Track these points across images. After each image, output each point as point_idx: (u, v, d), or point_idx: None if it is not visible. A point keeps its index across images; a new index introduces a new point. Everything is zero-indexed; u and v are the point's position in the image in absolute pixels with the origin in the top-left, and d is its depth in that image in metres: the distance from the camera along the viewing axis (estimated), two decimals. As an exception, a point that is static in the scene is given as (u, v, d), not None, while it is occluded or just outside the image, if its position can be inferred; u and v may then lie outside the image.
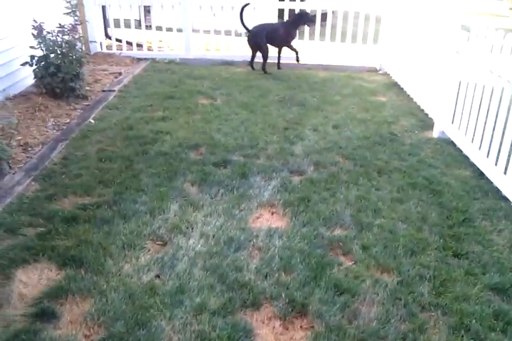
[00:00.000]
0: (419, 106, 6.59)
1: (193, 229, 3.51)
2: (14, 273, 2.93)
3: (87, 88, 6.80)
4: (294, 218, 3.67)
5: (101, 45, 9.37)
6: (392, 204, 3.91)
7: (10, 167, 4.19)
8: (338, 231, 3.51)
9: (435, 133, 5.62)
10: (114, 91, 6.97)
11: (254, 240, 3.39)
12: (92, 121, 5.67)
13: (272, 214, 3.78)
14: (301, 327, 2.63)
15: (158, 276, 2.99)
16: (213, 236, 3.42)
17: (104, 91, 6.98)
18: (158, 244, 3.35)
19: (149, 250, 3.26)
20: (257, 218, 3.72)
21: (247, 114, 6.07)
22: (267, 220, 3.69)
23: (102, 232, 3.38)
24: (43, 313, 2.62)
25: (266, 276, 3.00)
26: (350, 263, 3.14)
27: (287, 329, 2.62)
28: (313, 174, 4.44)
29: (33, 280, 2.89)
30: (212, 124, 5.66)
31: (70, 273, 2.94)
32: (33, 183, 4.05)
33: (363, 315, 2.69)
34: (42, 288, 2.82)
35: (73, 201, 3.81)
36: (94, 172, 4.29)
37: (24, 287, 2.83)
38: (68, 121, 5.66)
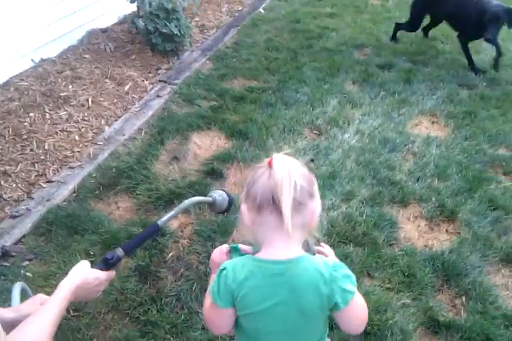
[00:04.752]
0: None
1: (349, 124, 3.59)
2: (190, 135, 3.32)
3: (260, -23, 6.77)
4: (456, 130, 3.54)
5: None
6: None
7: (190, 44, 4.50)
8: (502, 151, 3.35)
9: None
10: (284, -17, 6.84)
11: (410, 145, 3.38)
12: (262, 10, 5.73)
13: (433, 123, 3.69)
14: (446, 230, 2.69)
15: (312, 160, 3.18)
16: (368, 134, 3.47)
17: (274, -18, 6.89)
18: (314, 133, 3.51)
19: (306, 137, 3.44)
20: (416, 125, 3.66)
21: (420, 19, 5.64)
22: (426, 128, 3.62)
23: (266, 114, 3.61)
24: (213, 172, 2.98)
25: (418, 180, 3.04)
26: (510, 183, 3.02)
27: (432, 229, 2.70)
28: (484, 90, 4.13)
29: (206, 144, 3.26)
30: (380, 25, 5.41)
31: (236, 143, 3.25)
32: (207, 62, 4.35)
33: (514, 232, 2.65)
34: (212, 152, 3.18)
35: (242, 82, 4.06)
36: (261, 60, 4.46)
37: (198, 148, 3.21)
38: (240, 8, 5.79)
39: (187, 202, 1.54)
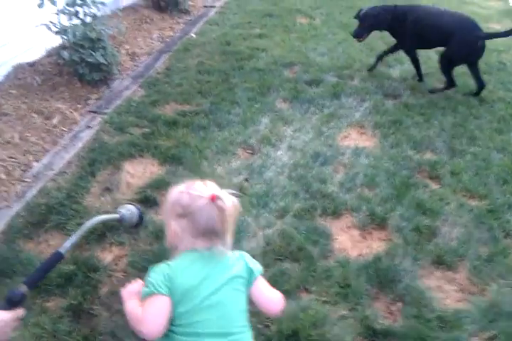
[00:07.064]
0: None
1: (281, 141, 3.65)
2: (122, 164, 3.28)
3: (190, 3, 6.86)
4: (383, 139, 3.68)
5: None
6: (490, 134, 3.77)
7: (119, 71, 4.49)
8: (427, 156, 3.49)
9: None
10: (214, 7, 6.99)
11: (341, 157, 3.47)
12: (194, 35, 5.80)
13: (361, 134, 3.81)
14: (378, 238, 2.76)
15: (246, 180, 3.21)
16: (300, 150, 3.54)
17: (205, 6, 7.02)
18: (248, 152, 3.55)
19: (240, 157, 3.47)
20: (345, 137, 3.76)
21: (346, 34, 5.86)
22: (355, 139, 3.73)
23: (199, 137, 3.63)
24: (146, 200, 2.94)
25: (348, 190, 3.11)
26: (437, 187, 3.15)
27: (365, 238, 2.76)
28: (408, 99, 4.32)
29: (138, 172, 3.23)
30: (308, 43, 5.58)
31: (170, 169, 3.24)
32: (139, 89, 4.34)
33: (443, 235, 2.75)
34: (145, 180, 3.15)
35: (174, 107, 4.07)
36: (193, 83, 4.49)
37: (130, 177, 3.17)
38: (171, 34, 5.84)
39: (89, 222, 1.49)
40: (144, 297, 1.33)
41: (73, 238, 1.43)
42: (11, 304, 1.29)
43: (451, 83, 4.32)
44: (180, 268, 1.33)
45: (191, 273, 1.33)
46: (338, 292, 2.36)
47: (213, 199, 1.31)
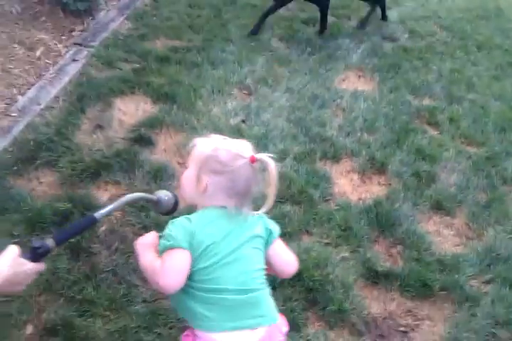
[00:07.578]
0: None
1: (278, 82, 3.52)
2: (113, 101, 3.11)
3: None
4: (381, 83, 3.59)
5: None
6: (487, 81, 3.73)
7: (106, 3, 4.17)
8: (426, 101, 3.44)
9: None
10: None
11: (339, 100, 3.39)
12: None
13: (359, 77, 3.71)
14: (378, 182, 2.75)
15: (243, 121, 3.11)
16: (298, 92, 3.43)
17: None
18: (244, 93, 3.42)
19: (236, 97, 3.34)
20: (343, 80, 3.66)
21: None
22: (353, 83, 3.64)
23: (192, 75, 3.46)
24: (141, 139, 2.83)
25: (348, 134, 3.06)
26: (436, 133, 3.13)
27: (364, 182, 2.75)
28: (406, 42, 4.20)
29: (131, 109, 3.08)
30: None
31: (164, 107, 3.10)
32: (126, 22, 4.06)
33: (442, 180, 2.76)
34: (139, 118, 3.01)
35: (164, 42, 3.84)
36: (183, 18, 4.23)
37: (123, 114, 3.03)
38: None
39: (129, 196, 1.47)
40: (163, 250, 1.28)
41: (111, 206, 1.39)
42: (35, 256, 1.21)
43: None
44: (202, 224, 1.28)
45: (215, 229, 1.29)
46: (339, 234, 2.37)
47: (253, 160, 1.26)
